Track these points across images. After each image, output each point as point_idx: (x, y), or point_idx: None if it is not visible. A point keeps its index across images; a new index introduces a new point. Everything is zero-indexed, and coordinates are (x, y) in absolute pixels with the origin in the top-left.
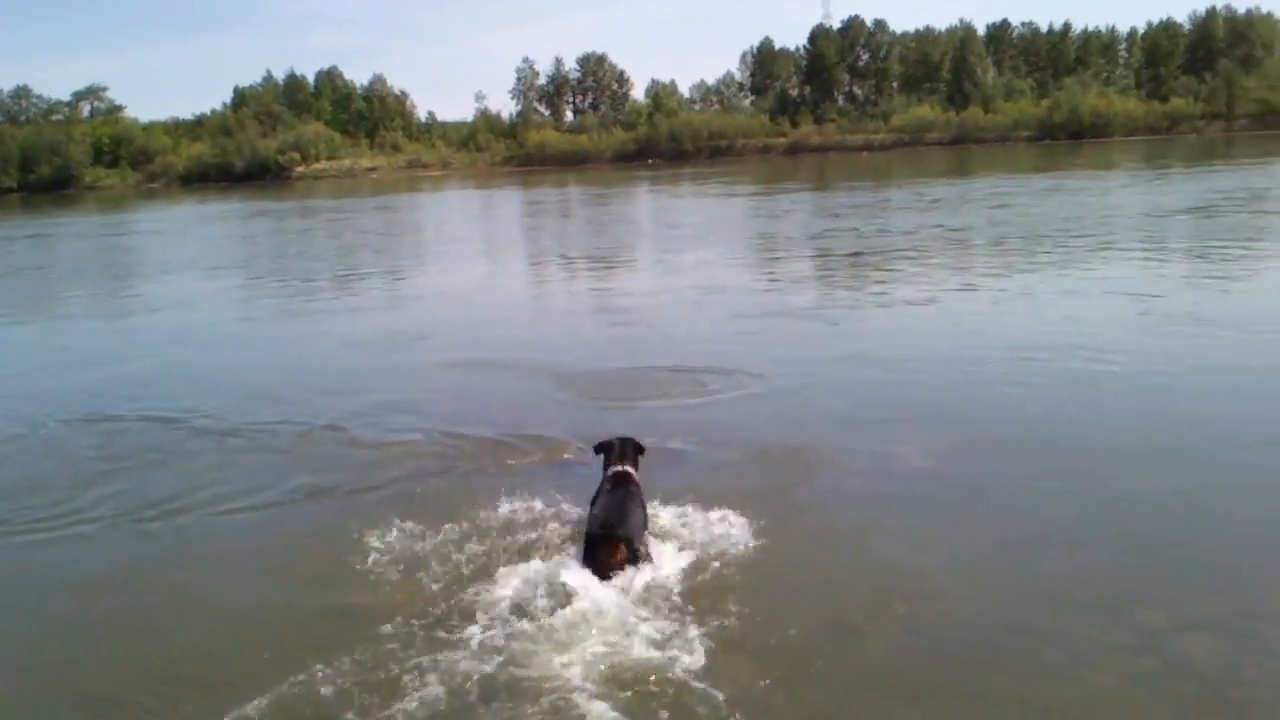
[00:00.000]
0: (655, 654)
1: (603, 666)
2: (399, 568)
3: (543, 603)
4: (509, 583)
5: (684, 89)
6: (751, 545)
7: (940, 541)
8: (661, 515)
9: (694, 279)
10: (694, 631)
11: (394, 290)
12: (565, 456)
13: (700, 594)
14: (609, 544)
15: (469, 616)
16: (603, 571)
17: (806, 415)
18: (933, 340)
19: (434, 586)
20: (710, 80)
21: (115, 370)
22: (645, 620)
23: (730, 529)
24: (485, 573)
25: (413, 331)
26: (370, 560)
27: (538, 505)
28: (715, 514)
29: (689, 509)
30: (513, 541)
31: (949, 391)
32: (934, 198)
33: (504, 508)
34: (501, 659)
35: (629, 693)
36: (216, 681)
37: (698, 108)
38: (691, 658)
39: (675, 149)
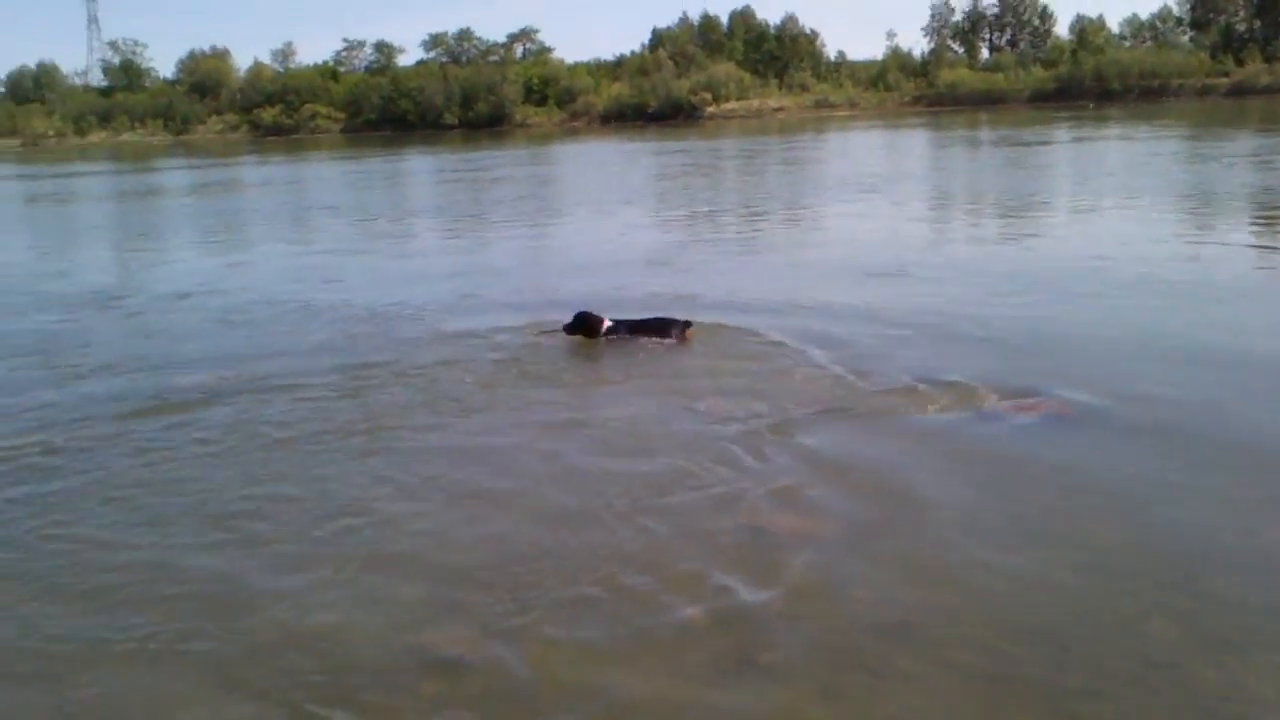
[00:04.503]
0: None
1: None
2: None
3: None
4: None
5: (1113, 24)
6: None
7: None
8: None
9: (1114, 234)
10: None
11: (800, 227)
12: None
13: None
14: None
15: None
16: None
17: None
18: None
19: None
20: (1144, 15)
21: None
22: None
23: None
24: None
25: (820, 267)
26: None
27: None
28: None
29: None
30: None
31: None
32: None
33: None
34: None
35: None
36: None
37: (1128, 45)
38: None
39: (1100, 89)
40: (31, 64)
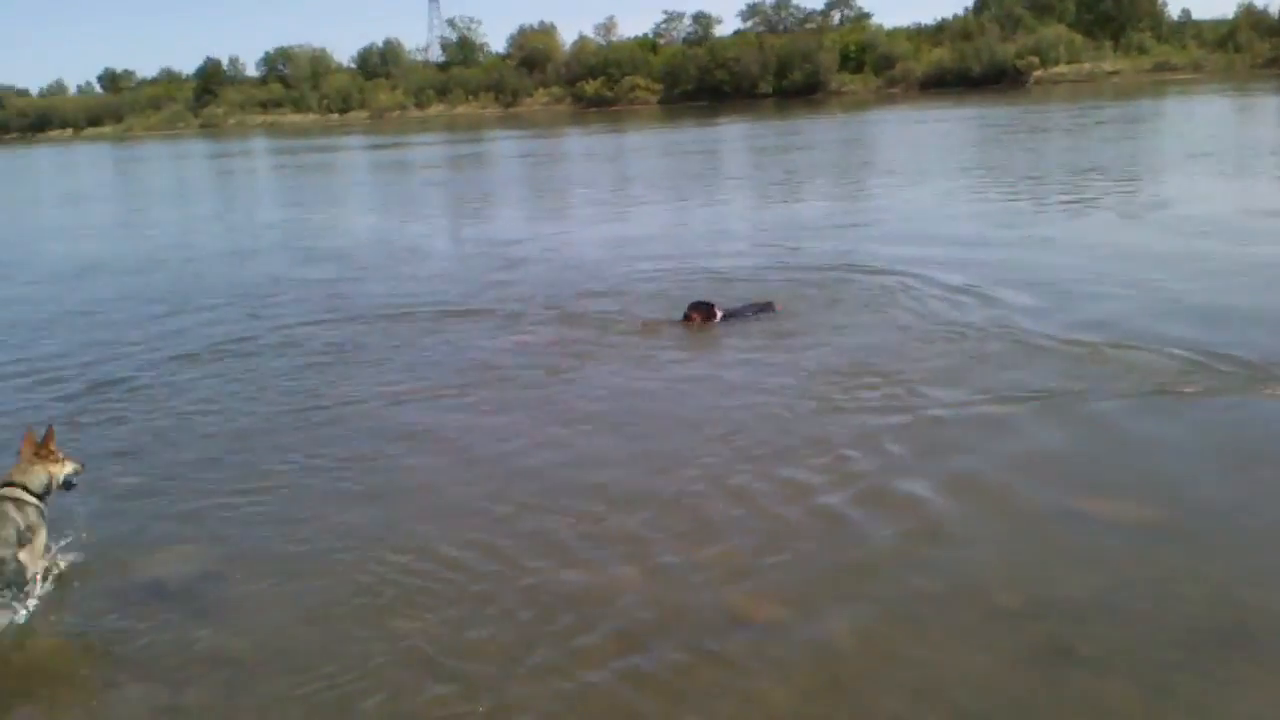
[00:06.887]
0: None
1: None
2: None
3: None
4: None
5: None
6: None
7: None
8: None
9: None
10: None
11: (1135, 202)
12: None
13: None
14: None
15: None
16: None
17: None
18: None
19: None
20: None
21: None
22: None
23: None
24: None
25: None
26: None
27: None
28: None
29: None
30: None
31: None
32: None
33: None
34: None
35: None
36: None
37: None
38: None
39: None
40: (379, 42)
